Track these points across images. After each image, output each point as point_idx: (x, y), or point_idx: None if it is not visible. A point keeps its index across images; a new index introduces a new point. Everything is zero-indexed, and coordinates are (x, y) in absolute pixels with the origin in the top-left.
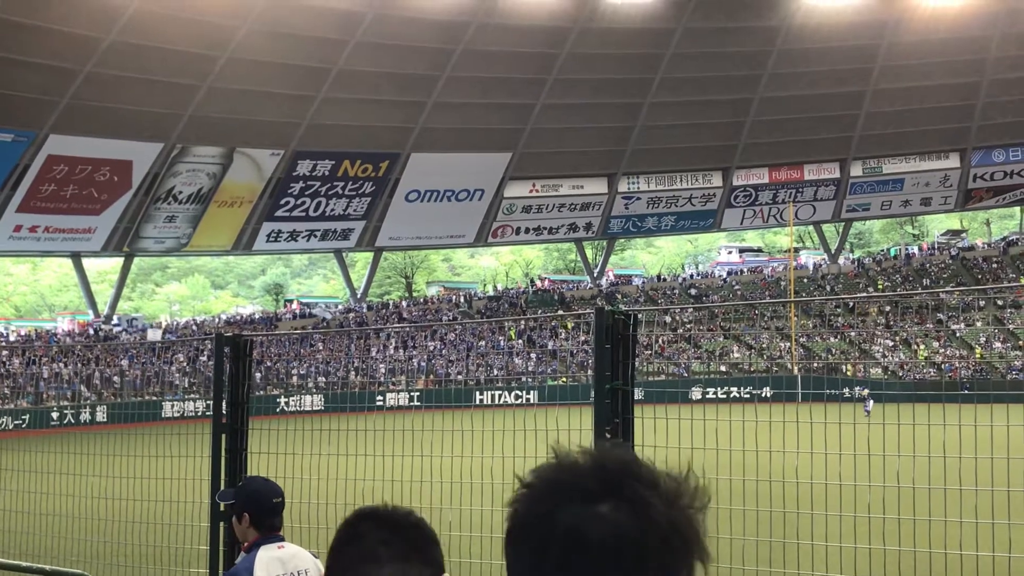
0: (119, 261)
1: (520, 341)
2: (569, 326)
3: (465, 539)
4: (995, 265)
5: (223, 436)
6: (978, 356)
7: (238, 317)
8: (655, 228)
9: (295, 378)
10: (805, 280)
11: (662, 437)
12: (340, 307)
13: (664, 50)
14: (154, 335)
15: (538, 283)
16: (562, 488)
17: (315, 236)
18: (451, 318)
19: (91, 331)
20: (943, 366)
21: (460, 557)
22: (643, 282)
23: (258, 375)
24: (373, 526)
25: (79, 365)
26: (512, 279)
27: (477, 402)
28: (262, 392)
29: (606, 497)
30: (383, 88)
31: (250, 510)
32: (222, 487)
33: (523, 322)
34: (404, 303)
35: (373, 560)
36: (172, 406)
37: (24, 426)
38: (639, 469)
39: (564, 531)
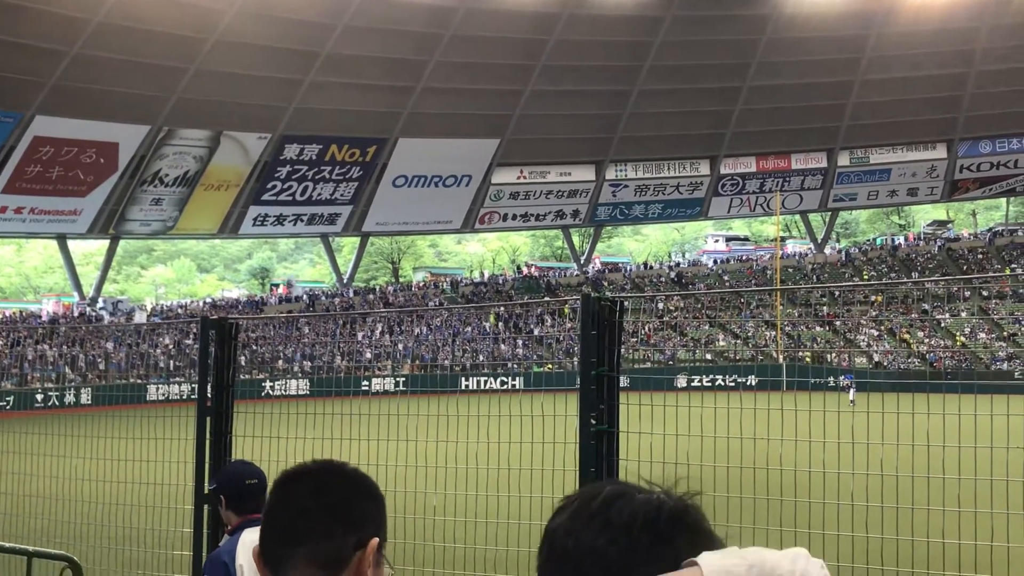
0: (105, 243)
1: (502, 327)
2: (566, 311)
3: (449, 524)
4: (980, 256)
5: (208, 419)
6: (959, 344)
7: (224, 301)
8: (642, 216)
9: (280, 362)
10: (791, 269)
11: (647, 424)
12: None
13: (653, 38)
14: (140, 318)
15: (524, 270)
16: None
17: (302, 220)
18: (437, 303)
19: (76, 313)
20: (927, 355)
21: (444, 541)
22: (630, 269)
23: (243, 359)
24: (297, 490)
25: (64, 347)
26: (499, 265)
27: (463, 388)
28: (247, 376)
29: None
30: (371, 73)
31: (226, 492)
32: (206, 470)
33: (507, 308)
34: (391, 288)
35: (290, 537)
36: (157, 389)
37: (8, 407)
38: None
39: (605, 499)
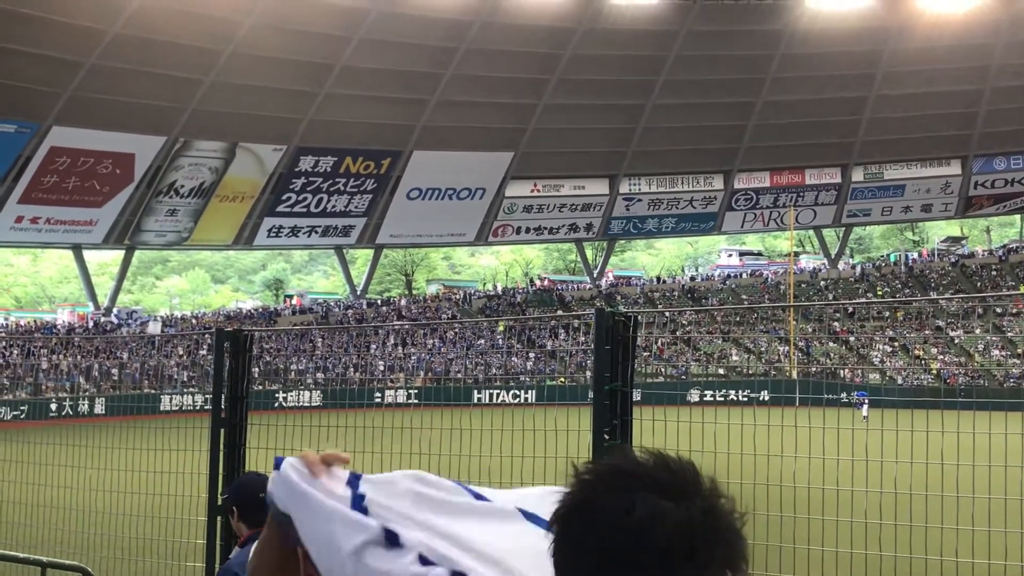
0: (120, 254)
1: (514, 340)
2: (577, 324)
3: None
4: (994, 273)
5: (222, 431)
6: (977, 363)
7: (237, 312)
8: (655, 230)
9: (293, 373)
10: (804, 285)
11: (660, 439)
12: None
13: (668, 52)
14: (154, 328)
15: (538, 283)
16: (634, 478)
17: (316, 232)
18: (450, 316)
19: (91, 323)
20: (941, 372)
21: None
22: (643, 284)
23: (256, 370)
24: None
25: (78, 357)
26: (512, 278)
27: (475, 401)
28: (260, 387)
29: (676, 494)
30: (386, 85)
31: (239, 504)
32: (220, 482)
33: (520, 322)
34: (404, 301)
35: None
36: (170, 399)
37: (22, 417)
38: (700, 473)
39: (639, 520)
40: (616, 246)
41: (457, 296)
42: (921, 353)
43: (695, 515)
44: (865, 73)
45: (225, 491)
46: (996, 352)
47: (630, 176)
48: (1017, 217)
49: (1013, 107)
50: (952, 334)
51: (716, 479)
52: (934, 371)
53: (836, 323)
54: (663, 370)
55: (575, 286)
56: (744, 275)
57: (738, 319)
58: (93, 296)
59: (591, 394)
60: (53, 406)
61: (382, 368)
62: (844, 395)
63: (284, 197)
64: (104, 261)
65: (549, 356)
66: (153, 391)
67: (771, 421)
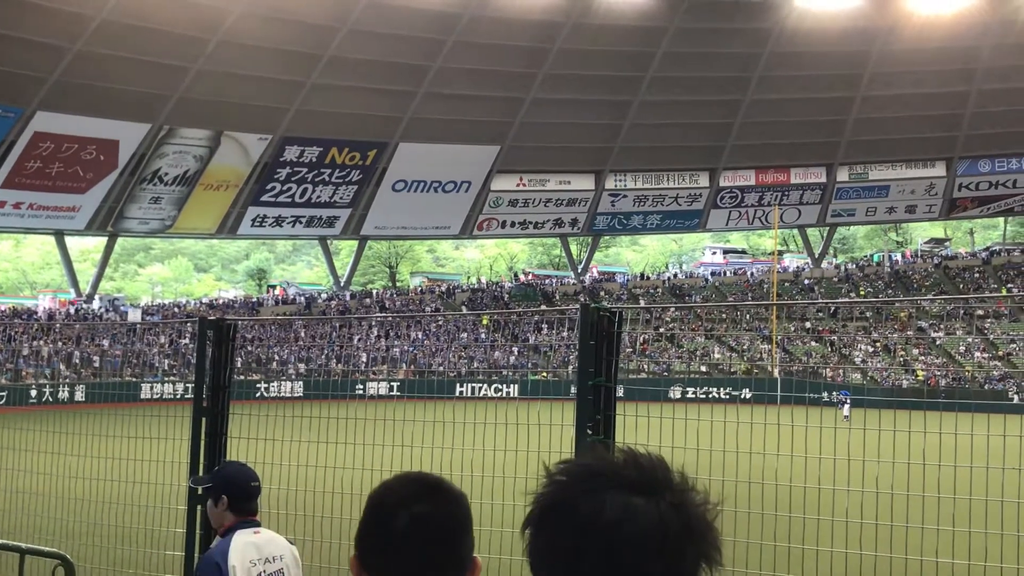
0: (102, 240)
1: (498, 335)
2: (563, 321)
3: None
4: (977, 275)
5: (203, 420)
6: (963, 366)
7: (220, 301)
8: (640, 226)
9: (275, 363)
10: (788, 283)
11: (643, 435)
12: (323, 294)
13: (655, 49)
14: (135, 316)
15: (522, 277)
16: (604, 477)
17: (300, 222)
18: (434, 309)
19: (72, 310)
20: (922, 374)
21: None
22: (627, 280)
23: (238, 360)
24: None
25: (59, 343)
26: (496, 272)
27: (458, 394)
28: (242, 377)
29: (646, 490)
30: (373, 76)
31: (229, 493)
32: (201, 471)
33: (504, 316)
34: (387, 293)
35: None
36: (151, 387)
37: (2, 403)
38: (671, 469)
39: (610, 518)
40: (601, 242)
41: (441, 289)
42: (904, 353)
43: (665, 510)
44: (852, 73)
45: (202, 479)
46: (977, 354)
47: (616, 172)
48: (1000, 220)
49: (999, 110)
50: (934, 335)
51: (686, 473)
52: (920, 376)
53: (813, 321)
54: (645, 366)
55: (559, 281)
56: (728, 273)
57: (722, 316)
58: (75, 283)
59: (574, 389)
60: (33, 392)
61: (365, 360)
62: (826, 394)
63: (269, 187)
64: (86, 248)
65: (532, 351)
66: (134, 379)
67: (753, 419)
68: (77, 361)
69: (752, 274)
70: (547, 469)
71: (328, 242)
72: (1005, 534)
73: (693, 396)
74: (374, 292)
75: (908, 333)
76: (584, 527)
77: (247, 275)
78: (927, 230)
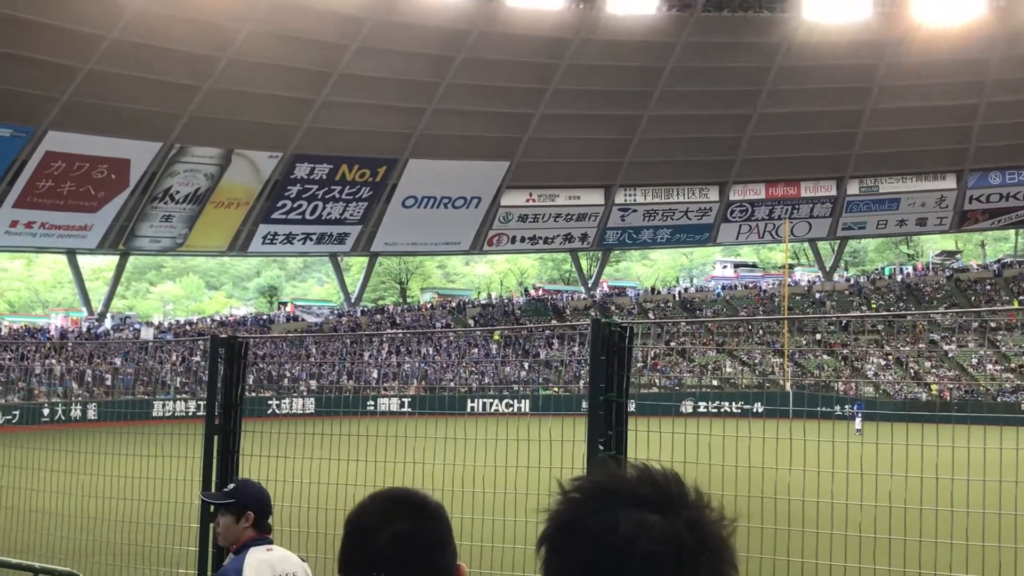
0: (114, 259)
1: (509, 350)
2: (573, 336)
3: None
4: (989, 287)
5: (215, 438)
6: (978, 382)
7: (231, 318)
8: (650, 241)
9: (286, 380)
10: (799, 297)
11: (655, 450)
12: (335, 311)
13: (664, 63)
14: (148, 334)
15: (532, 292)
16: (618, 494)
17: (311, 239)
18: (444, 325)
19: (84, 328)
20: (936, 387)
21: None
22: (637, 294)
23: (250, 377)
24: (418, 529)
25: (71, 362)
26: (506, 288)
27: (469, 410)
28: (253, 394)
29: (661, 507)
30: (383, 93)
31: (255, 509)
32: (213, 489)
33: (514, 331)
34: (398, 309)
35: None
36: (163, 405)
37: (15, 421)
38: (686, 485)
39: (624, 536)
40: (611, 256)
41: (451, 304)
42: (916, 367)
43: (680, 527)
44: (861, 86)
45: (218, 494)
46: (990, 367)
47: (626, 187)
48: (1012, 232)
49: (1008, 122)
50: (946, 348)
51: (702, 489)
52: (934, 390)
53: (825, 335)
54: (657, 381)
55: (569, 296)
56: (739, 287)
57: (736, 330)
58: (87, 301)
59: (585, 404)
60: (45, 411)
61: (375, 376)
62: (838, 408)
63: (279, 204)
64: (98, 266)
65: (543, 366)
66: (146, 397)
67: (765, 433)
68: (89, 379)
69: (763, 288)
70: (560, 486)
71: (339, 259)
72: (1020, 548)
73: (705, 410)
74: (385, 308)
75: (920, 346)
76: (598, 545)
77: (258, 292)
78: (938, 243)
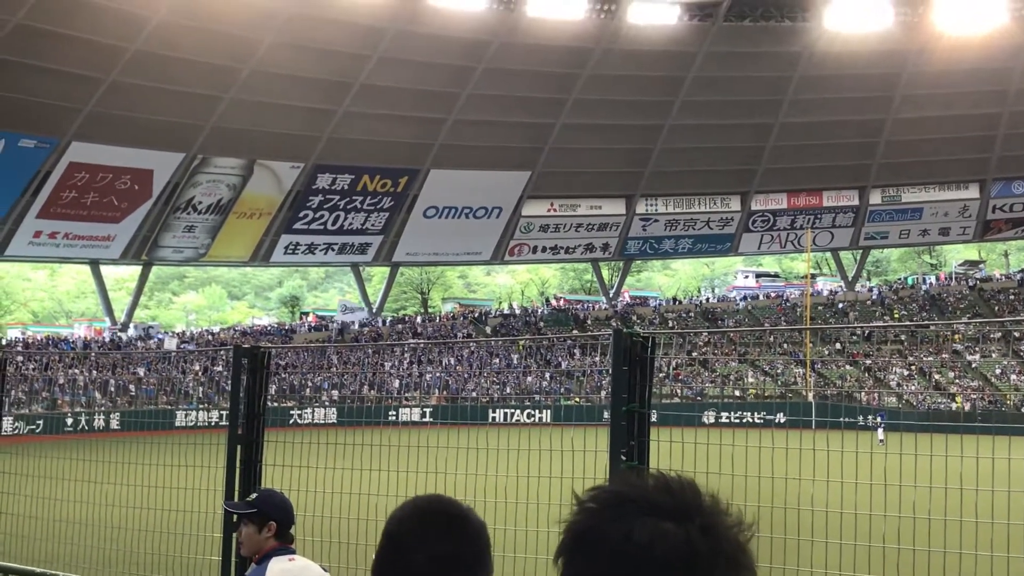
0: (137, 269)
1: (530, 360)
2: (595, 346)
3: None
4: (1012, 297)
5: (238, 448)
6: (1001, 392)
7: (253, 328)
8: (672, 251)
9: (308, 390)
10: (821, 307)
11: (677, 461)
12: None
13: (686, 73)
14: (171, 344)
15: (553, 302)
16: (634, 503)
17: (332, 249)
18: (466, 335)
19: (107, 338)
20: (960, 397)
21: None
22: (659, 304)
23: (272, 387)
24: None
25: (94, 372)
26: (527, 298)
27: (490, 420)
28: (276, 403)
29: (676, 515)
30: (404, 104)
31: (279, 519)
32: (236, 498)
33: (536, 341)
34: (419, 319)
35: None
36: (185, 415)
37: (38, 431)
38: (701, 493)
39: (639, 544)
40: (632, 266)
41: (473, 314)
42: (939, 378)
43: (694, 534)
44: (883, 95)
45: (241, 504)
46: (1013, 377)
47: (647, 196)
48: None
49: None
50: (969, 358)
51: (718, 497)
52: (958, 400)
53: (848, 345)
54: (679, 391)
55: (591, 306)
56: (761, 296)
57: (758, 340)
58: (110, 311)
59: (607, 414)
60: (69, 421)
61: (397, 386)
62: (861, 418)
63: (301, 214)
64: (121, 276)
65: (565, 376)
66: (169, 407)
67: (788, 444)
68: (112, 389)
69: (785, 298)
70: (577, 497)
71: (360, 269)
72: None
73: (727, 421)
74: (406, 318)
75: (943, 356)
76: (614, 553)
77: (280, 302)
78: (961, 252)
